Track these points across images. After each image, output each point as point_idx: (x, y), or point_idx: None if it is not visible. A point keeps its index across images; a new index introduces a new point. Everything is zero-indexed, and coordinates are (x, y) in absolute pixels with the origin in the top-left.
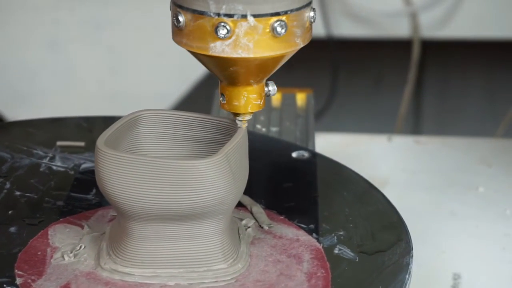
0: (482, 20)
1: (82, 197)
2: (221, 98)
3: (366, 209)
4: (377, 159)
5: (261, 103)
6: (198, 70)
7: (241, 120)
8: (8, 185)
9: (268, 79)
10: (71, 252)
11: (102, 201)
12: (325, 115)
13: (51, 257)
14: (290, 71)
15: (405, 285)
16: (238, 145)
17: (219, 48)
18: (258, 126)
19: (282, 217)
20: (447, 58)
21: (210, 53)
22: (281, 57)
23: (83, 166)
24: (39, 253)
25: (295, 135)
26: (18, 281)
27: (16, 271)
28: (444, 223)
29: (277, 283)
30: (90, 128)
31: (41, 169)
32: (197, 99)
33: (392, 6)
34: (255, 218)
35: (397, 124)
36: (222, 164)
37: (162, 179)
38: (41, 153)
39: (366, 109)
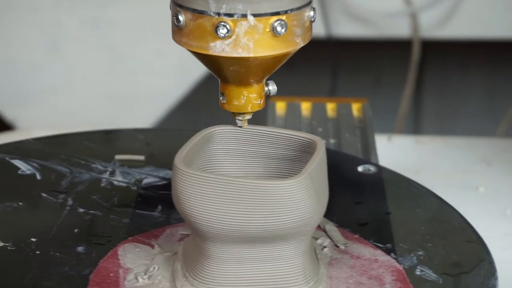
0: (482, 20)
1: (148, 214)
2: (221, 98)
3: (442, 227)
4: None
5: (261, 102)
6: (198, 70)
7: (241, 120)
8: (70, 202)
9: (268, 79)
10: (145, 274)
11: (169, 219)
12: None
13: (124, 278)
14: (290, 71)
15: None
16: (320, 163)
17: (219, 48)
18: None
19: (356, 236)
20: (447, 58)
21: (210, 52)
22: (281, 56)
23: (145, 181)
24: (111, 274)
25: (356, 148)
26: None
27: None
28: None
29: None
30: (147, 140)
31: (102, 184)
32: (197, 99)
33: (392, 6)
34: (329, 237)
35: (397, 124)
36: (307, 183)
37: (244, 200)
38: (100, 167)
39: None
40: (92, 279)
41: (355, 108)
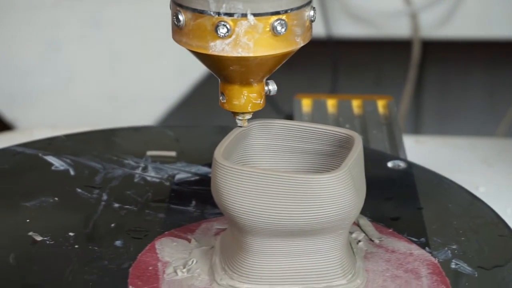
0: (482, 20)
1: (183, 209)
2: (221, 97)
3: (475, 222)
4: None
5: (261, 102)
6: (198, 70)
7: (241, 119)
8: (105, 197)
9: (268, 78)
10: (183, 267)
11: (204, 213)
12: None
13: (164, 272)
14: (290, 71)
15: None
16: (358, 158)
17: (219, 47)
18: None
19: (390, 230)
20: (447, 58)
21: (210, 52)
22: (281, 56)
23: (178, 176)
24: (150, 268)
25: (384, 144)
26: None
27: (130, 286)
28: None
29: None
30: (176, 137)
31: (136, 180)
32: (197, 99)
33: (392, 6)
34: (364, 232)
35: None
36: (346, 178)
37: (284, 194)
38: (132, 163)
39: None
40: (132, 272)
41: (381, 105)
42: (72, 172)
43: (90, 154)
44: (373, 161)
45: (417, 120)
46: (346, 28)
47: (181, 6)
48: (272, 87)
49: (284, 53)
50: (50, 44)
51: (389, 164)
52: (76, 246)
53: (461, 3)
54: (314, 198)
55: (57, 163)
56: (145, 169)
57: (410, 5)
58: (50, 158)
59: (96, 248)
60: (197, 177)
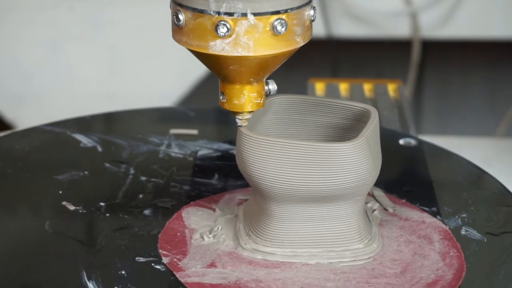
0: (482, 20)
1: (206, 182)
2: (221, 97)
3: (483, 193)
4: None
5: (261, 101)
6: (198, 70)
7: (241, 119)
8: (132, 171)
9: (268, 78)
10: (210, 233)
11: (226, 186)
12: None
13: (191, 237)
14: (290, 71)
15: None
16: (375, 129)
17: (219, 47)
18: None
19: (403, 201)
20: (448, 58)
21: (210, 51)
22: (281, 55)
23: (200, 153)
24: (178, 234)
25: (396, 124)
26: (165, 260)
27: (160, 250)
28: None
29: (413, 261)
30: (199, 116)
31: (160, 156)
32: (197, 99)
33: (392, 6)
34: (378, 202)
35: None
36: (363, 146)
37: (306, 162)
38: (156, 140)
39: None
40: (161, 237)
41: (391, 88)
42: (99, 149)
43: (115, 133)
44: (386, 139)
45: (417, 120)
46: (346, 28)
47: (181, 5)
48: (272, 86)
49: (284, 52)
50: (50, 44)
51: (401, 142)
52: (107, 215)
53: (461, 3)
54: (333, 166)
55: (85, 140)
56: (169, 146)
57: (410, 5)
58: (78, 136)
59: (126, 216)
60: (218, 153)
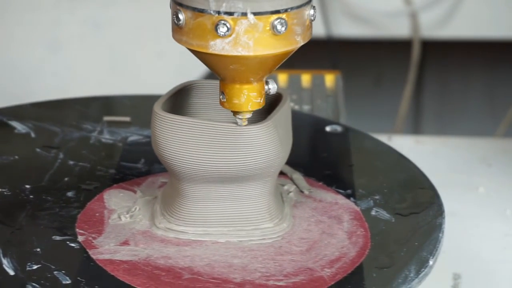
0: (482, 20)
1: (132, 166)
2: (221, 96)
3: (399, 176)
4: None
5: (261, 101)
6: (198, 70)
7: (241, 119)
8: (61, 155)
9: (268, 77)
10: (127, 213)
11: (151, 169)
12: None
13: (109, 217)
14: (290, 71)
15: (439, 242)
16: (284, 113)
17: (219, 46)
18: (291, 104)
19: (320, 183)
20: (447, 58)
21: (210, 51)
22: (281, 55)
23: (130, 138)
24: (97, 214)
25: (327, 112)
26: (80, 238)
27: (77, 230)
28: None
29: (320, 240)
30: (134, 104)
31: (91, 141)
32: None
33: (392, 6)
34: (295, 184)
35: (397, 124)
36: (270, 129)
37: (216, 142)
38: (89, 127)
39: (366, 109)
40: (80, 218)
41: (328, 79)
42: (33, 135)
43: (52, 120)
44: (313, 125)
45: (417, 120)
46: (346, 28)
47: (181, 5)
48: (272, 86)
49: (284, 52)
50: (50, 44)
51: (327, 128)
52: (31, 197)
53: (461, 3)
54: (241, 147)
55: (20, 127)
56: (101, 132)
57: (410, 5)
58: (14, 123)
59: (49, 198)
60: (148, 139)
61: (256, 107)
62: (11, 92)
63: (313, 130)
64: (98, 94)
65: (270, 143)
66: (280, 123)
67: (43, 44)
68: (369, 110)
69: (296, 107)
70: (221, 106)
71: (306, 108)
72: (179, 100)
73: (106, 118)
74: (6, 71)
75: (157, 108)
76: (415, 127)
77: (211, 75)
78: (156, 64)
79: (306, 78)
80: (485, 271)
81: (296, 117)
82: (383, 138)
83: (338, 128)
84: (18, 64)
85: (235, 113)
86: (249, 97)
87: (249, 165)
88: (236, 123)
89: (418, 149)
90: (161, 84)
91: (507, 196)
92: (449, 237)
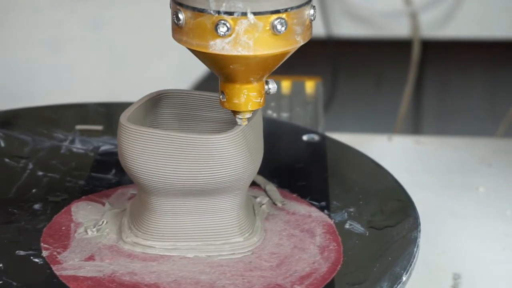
0: (482, 20)
1: (102, 177)
2: (221, 96)
3: (375, 188)
4: (377, 159)
5: (261, 101)
6: (198, 70)
7: (241, 118)
8: (30, 166)
9: (268, 77)
10: (94, 227)
11: (121, 180)
12: (325, 115)
13: (75, 231)
14: (290, 71)
15: (414, 257)
16: (254, 123)
17: (219, 46)
18: (269, 112)
19: (294, 195)
20: (447, 58)
21: (210, 51)
22: (281, 55)
23: (102, 148)
24: (63, 228)
25: (305, 120)
26: (44, 253)
27: (42, 244)
28: (444, 223)
29: (291, 255)
30: (108, 112)
31: (62, 151)
32: None
33: (392, 6)
34: (268, 196)
35: (397, 124)
36: (239, 139)
37: (182, 154)
38: (61, 136)
39: (366, 109)
40: (45, 231)
41: (308, 86)
42: (2, 144)
43: (22, 128)
44: (290, 134)
45: (417, 120)
46: (346, 28)
47: (181, 5)
48: (272, 85)
49: (284, 52)
50: (50, 44)
51: (304, 138)
52: None
53: (461, 3)
54: (207, 158)
55: None
56: (72, 141)
57: (410, 5)
58: None
59: (15, 210)
60: None
61: (256, 107)
62: (11, 92)
63: (290, 139)
64: (98, 94)
65: (238, 155)
66: (250, 134)
67: (43, 44)
68: (369, 110)
69: (274, 115)
70: (191, 117)
71: (284, 115)
72: (148, 110)
73: (78, 127)
74: (6, 71)
75: (123, 119)
76: (415, 127)
77: (211, 75)
78: (156, 64)
79: (286, 85)
80: (485, 271)
81: (273, 125)
82: (383, 138)
83: (316, 137)
84: (18, 64)
85: (235, 113)
86: (249, 97)
87: (217, 177)
88: (238, 123)
89: (418, 149)
90: (161, 84)
91: (507, 196)
92: (449, 237)
